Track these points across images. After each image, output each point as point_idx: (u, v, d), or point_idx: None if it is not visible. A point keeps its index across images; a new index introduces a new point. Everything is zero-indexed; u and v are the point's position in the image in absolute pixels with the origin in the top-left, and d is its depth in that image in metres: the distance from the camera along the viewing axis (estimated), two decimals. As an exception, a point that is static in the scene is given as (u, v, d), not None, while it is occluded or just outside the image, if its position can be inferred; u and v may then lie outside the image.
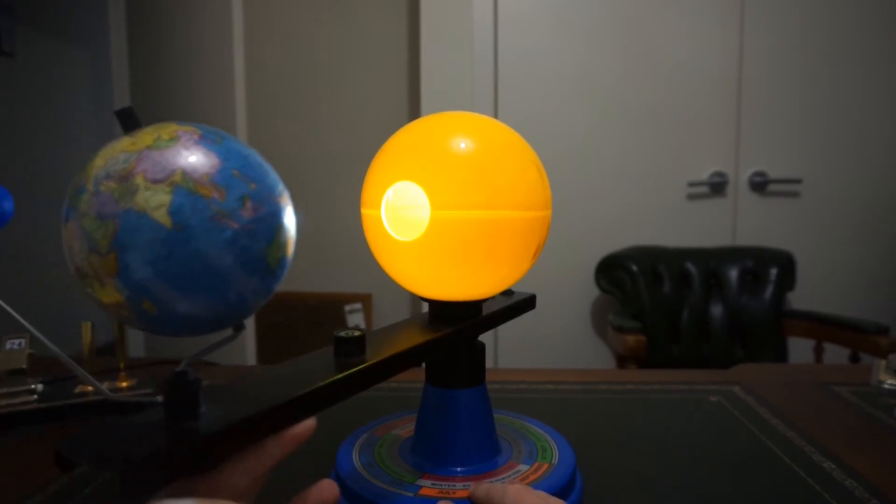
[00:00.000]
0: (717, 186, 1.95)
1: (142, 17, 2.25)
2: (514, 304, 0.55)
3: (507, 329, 1.99)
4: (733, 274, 1.79)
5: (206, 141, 0.30)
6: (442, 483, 0.46)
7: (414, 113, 2.08)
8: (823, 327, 1.65)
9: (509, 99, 1.96)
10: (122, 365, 0.72)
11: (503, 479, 0.47)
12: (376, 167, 0.46)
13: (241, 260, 0.30)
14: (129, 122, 0.31)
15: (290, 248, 0.33)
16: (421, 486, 0.46)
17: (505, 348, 2.02)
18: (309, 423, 0.34)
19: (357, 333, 0.38)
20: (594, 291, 1.96)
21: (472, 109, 0.57)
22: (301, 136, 2.17)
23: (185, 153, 0.29)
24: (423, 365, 0.50)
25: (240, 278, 0.30)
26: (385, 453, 0.51)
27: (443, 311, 0.48)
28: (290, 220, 0.33)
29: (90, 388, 0.69)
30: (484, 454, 0.50)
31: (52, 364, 0.76)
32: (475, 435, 0.49)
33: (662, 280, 1.77)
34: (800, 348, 1.83)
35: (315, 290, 2.16)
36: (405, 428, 0.56)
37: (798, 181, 1.93)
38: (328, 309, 2.15)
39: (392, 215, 0.45)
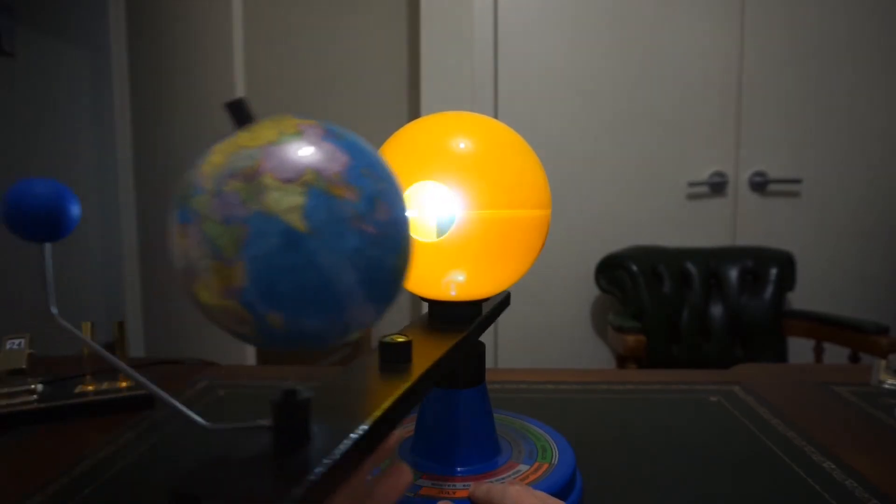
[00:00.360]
0: (717, 186, 1.95)
1: (142, 17, 2.25)
2: (502, 303, 0.55)
3: (507, 329, 1.99)
4: (733, 274, 1.79)
5: (330, 136, 0.28)
6: (442, 483, 0.46)
7: (414, 113, 2.08)
8: (823, 327, 1.65)
9: (509, 99, 1.96)
10: (122, 365, 0.72)
11: (503, 479, 0.47)
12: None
13: (371, 267, 0.27)
14: (241, 115, 0.28)
15: (413, 256, 0.31)
16: (421, 486, 0.45)
17: (505, 348, 2.02)
18: (398, 434, 0.33)
19: (401, 339, 0.38)
20: (594, 291, 1.96)
21: (472, 109, 0.57)
22: (301, 136, 2.17)
23: (311, 149, 0.26)
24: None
25: (367, 286, 0.27)
26: (385, 453, 0.51)
27: (446, 312, 0.48)
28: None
29: (90, 387, 0.69)
30: (484, 454, 0.50)
31: (53, 364, 0.76)
32: (475, 435, 0.49)
33: (662, 280, 1.77)
34: (800, 348, 1.83)
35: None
36: (405, 428, 0.56)
37: (798, 181, 1.93)
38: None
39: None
